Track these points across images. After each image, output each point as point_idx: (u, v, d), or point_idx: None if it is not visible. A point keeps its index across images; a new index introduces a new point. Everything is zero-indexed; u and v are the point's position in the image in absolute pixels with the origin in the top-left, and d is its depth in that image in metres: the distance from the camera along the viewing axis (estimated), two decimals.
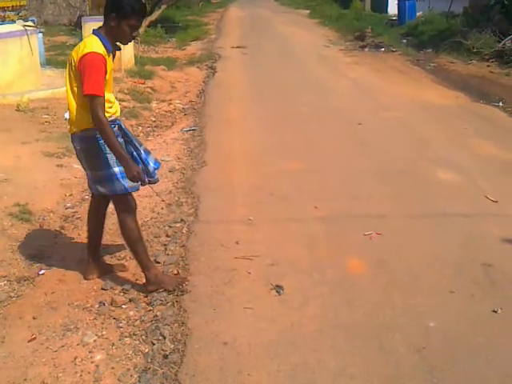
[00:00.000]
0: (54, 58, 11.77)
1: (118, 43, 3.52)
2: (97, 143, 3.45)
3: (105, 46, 3.38)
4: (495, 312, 3.40)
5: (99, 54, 3.33)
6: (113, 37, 3.46)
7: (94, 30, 3.47)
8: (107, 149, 3.42)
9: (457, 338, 3.16)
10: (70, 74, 3.45)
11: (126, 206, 3.61)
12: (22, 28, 8.26)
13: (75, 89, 3.43)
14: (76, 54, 3.38)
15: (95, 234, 3.95)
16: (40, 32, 10.19)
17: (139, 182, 3.54)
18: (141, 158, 3.67)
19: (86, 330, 3.34)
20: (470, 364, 2.97)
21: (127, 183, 3.50)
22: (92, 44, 3.36)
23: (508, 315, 3.38)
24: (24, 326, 3.38)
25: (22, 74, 8.30)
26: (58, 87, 8.65)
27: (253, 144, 7.03)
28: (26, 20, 8.67)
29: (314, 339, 3.19)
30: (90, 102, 3.32)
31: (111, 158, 3.45)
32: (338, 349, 3.10)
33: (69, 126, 3.59)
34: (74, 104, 3.45)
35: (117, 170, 3.48)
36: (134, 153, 3.66)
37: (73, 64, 3.40)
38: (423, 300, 3.55)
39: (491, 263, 3.97)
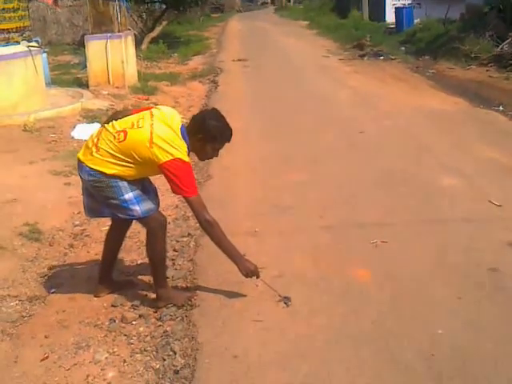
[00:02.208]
0: (58, 77, 11.91)
1: None
2: (108, 183, 3.45)
3: (187, 152, 3.45)
4: (503, 318, 3.40)
5: (188, 163, 3.41)
6: (193, 149, 3.55)
7: (182, 127, 3.48)
8: (118, 182, 3.44)
9: (465, 345, 3.18)
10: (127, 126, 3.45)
11: (151, 227, 3.59)
12: (27, 49, 8.38)
13: (117, 144, 3.40)
14: (148, 133, 3.36)
15: (111, 255, 3.96)
16: (44, 52, 10.30)
17: (156, 205, 3.63)
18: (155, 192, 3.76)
19: (97, 348, 3.37)
20: (478, 371, 2.98)
21: (143, 207, 3.51)
22: (182, 148, 3.40)
23: None
24: (36, 345, 3.41)
25: (28, 94, 8.39)
26: (63, 106, 8.78)
27: (255, 156, 7.08)
28: (30, 41, 8.77)
29: (323, 350, 3.21)
30: (192, 204, 3.44)
31: (123, 185, 3.45)
32: (347, 359, 3.12)
33: (81, 154, 3.54)
34: (107, 153, 3.42)
35: (130, 195, 3.47)
36: (151, 187, 3.73)
37: (135, 125, 3.43)
38: (430, 307, 3.57)
39: (497, 268, 3.99)
